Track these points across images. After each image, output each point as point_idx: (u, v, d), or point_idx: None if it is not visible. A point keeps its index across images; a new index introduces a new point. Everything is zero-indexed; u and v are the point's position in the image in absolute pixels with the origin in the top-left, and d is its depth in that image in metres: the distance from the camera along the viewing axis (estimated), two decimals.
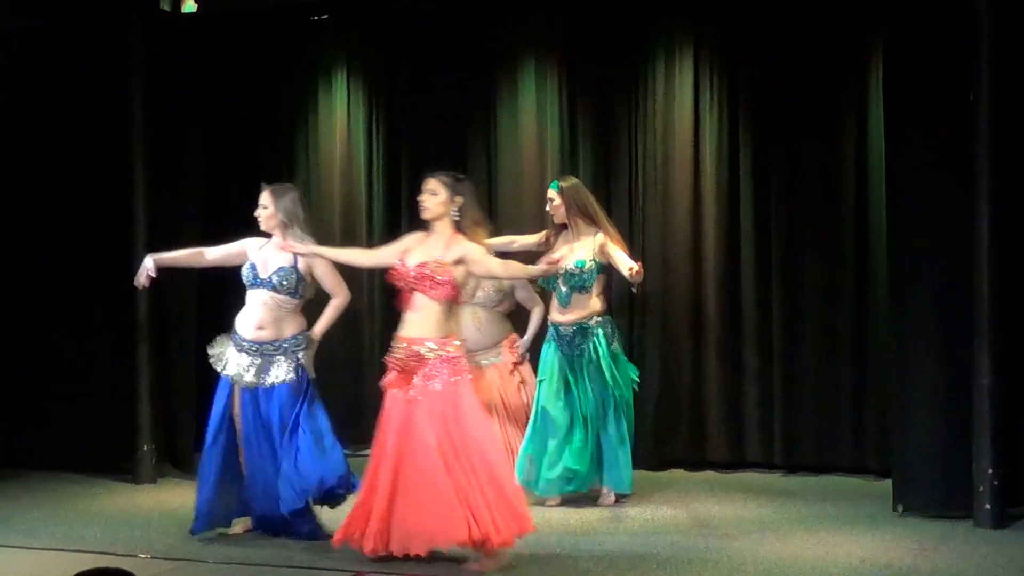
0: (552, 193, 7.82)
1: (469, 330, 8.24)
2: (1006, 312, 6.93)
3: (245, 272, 6.98)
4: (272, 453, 6.82)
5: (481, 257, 6.40)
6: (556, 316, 7.74)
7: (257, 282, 6.92)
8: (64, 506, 8.02)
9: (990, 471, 6.88)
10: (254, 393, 6.84)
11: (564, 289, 7.67)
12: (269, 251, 6.98)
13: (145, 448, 8.71)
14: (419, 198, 6.45)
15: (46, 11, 8.98)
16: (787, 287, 8.73)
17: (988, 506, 6.90)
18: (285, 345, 6.88)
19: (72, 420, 9.04)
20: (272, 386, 6.81)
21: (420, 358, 6.26)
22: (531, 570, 6.25)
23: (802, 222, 8.72)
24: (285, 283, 6.88)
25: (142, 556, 6.64)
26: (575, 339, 7.63)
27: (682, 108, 8.99)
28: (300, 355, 6.88)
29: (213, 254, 7.19)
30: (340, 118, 9.88)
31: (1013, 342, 6.98)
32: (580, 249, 7.66)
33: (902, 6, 7.32)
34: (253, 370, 6.85)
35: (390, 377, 6.38)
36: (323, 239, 9.78)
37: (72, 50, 9.14)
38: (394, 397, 6.32)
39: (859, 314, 8.57)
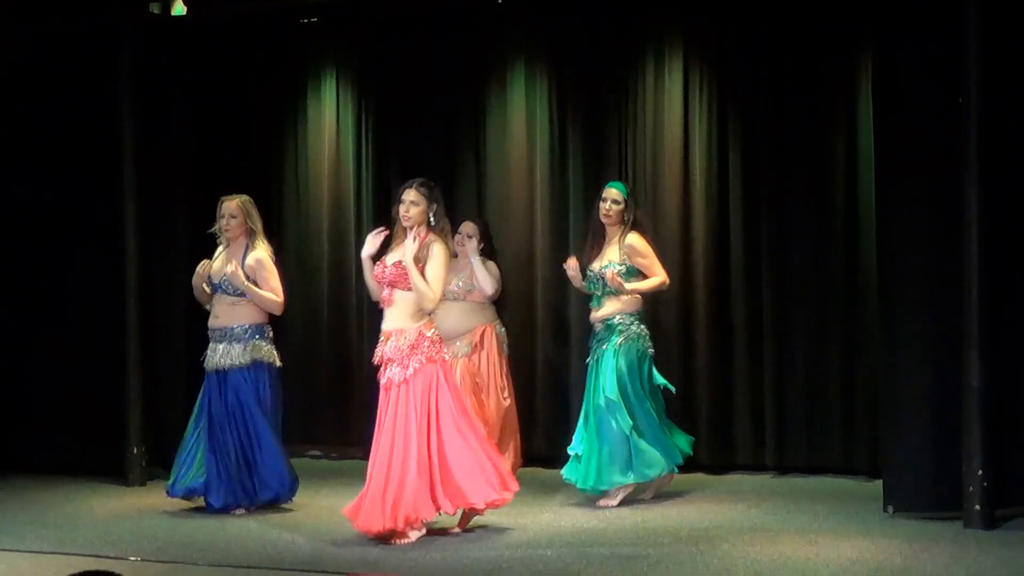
0: (618, 195, 7.81)
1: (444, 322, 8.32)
2: (995, 314, 6.94)
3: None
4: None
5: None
6: (591, 315, 7.90)
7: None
8: (54, 509, 8.01)
9: (980, 472, 6.90)
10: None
11: (597, 292, 7.81)
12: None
13: (135, 451, 8.70)
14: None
15: (36, 14, 8.96)
16: (777, 290, 8.74)
17: (978, 507, 6.92)
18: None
19: (62, 423, 9.03)
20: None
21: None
22: (522, 574, 6.25)
23: (792, 227, 8.73)
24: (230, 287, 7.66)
25: (132, 559, 6.63)
26: (599, 335, 7.79)
27: (672, 114, 9.00)
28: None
29: None
30: (329, 121, 9.86)
31: (1002, 344, 7.00)
32: (608, 253, 7.77)
33: (891, 12, 7.34)
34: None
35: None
36: (312, 241, 9.84)
37: (62, 53, 9.12)
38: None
39: (849, 317, 8.58)
